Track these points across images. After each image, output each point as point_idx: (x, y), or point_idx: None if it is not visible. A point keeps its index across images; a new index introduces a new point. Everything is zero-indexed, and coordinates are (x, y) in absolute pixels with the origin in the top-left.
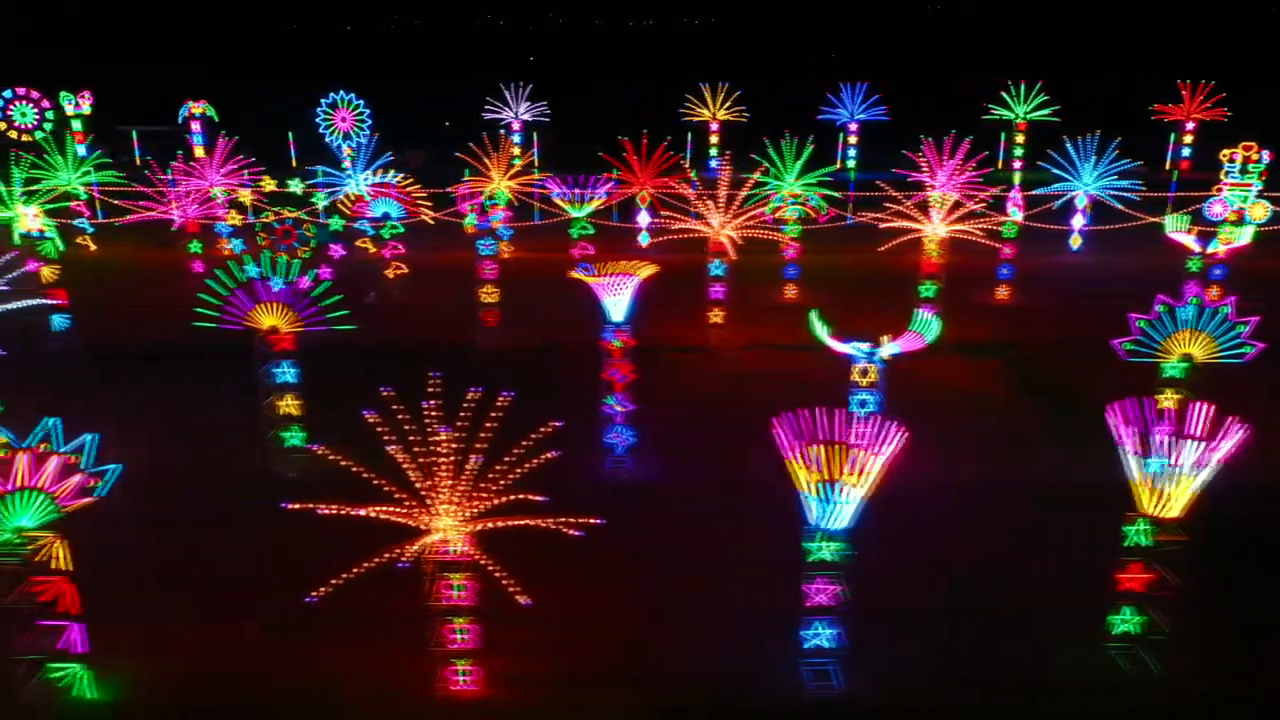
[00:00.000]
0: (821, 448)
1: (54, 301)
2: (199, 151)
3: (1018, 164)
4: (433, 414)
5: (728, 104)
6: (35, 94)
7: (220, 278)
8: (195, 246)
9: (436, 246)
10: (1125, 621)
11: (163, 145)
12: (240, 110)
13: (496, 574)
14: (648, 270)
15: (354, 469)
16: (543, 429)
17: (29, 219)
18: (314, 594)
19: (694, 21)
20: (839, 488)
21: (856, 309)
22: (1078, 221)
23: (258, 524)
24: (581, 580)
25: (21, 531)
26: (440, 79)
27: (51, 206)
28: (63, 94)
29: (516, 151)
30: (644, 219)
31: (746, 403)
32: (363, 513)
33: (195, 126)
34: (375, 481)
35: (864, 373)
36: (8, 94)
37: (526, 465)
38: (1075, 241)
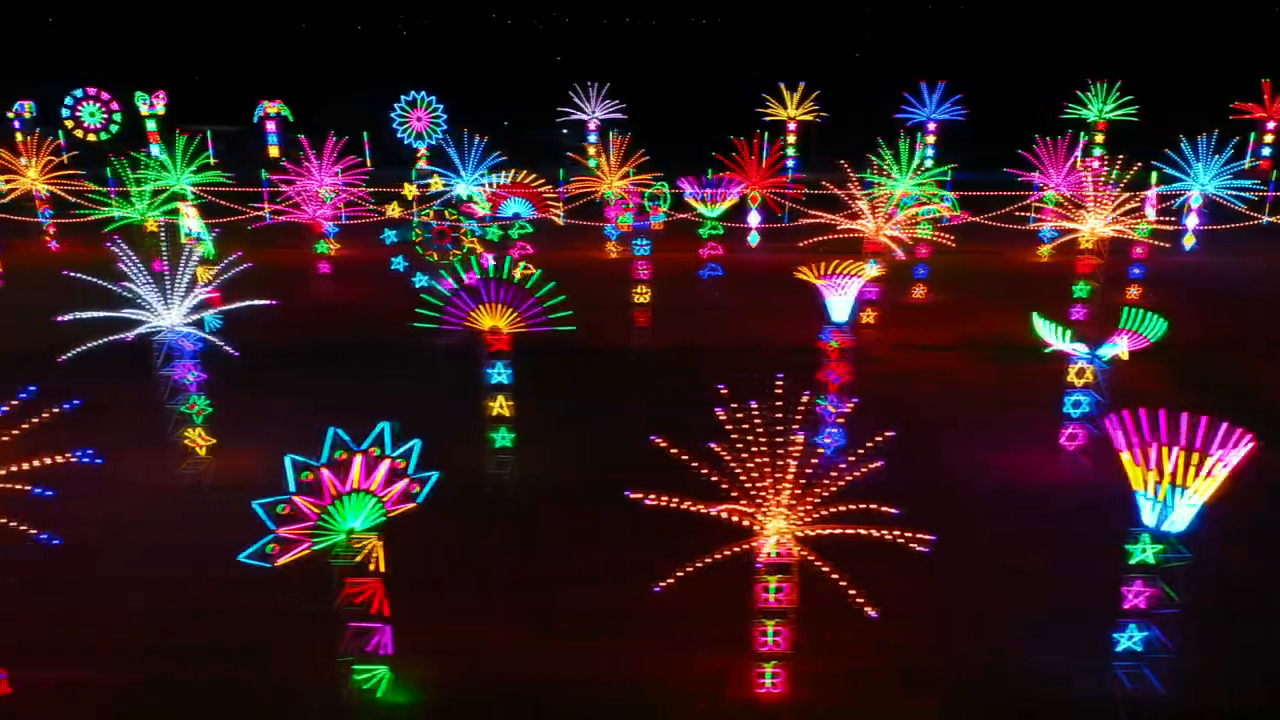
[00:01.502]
0: (1165, 449)
1: (269, 302)
2: (273, 151)
3: (1096, 163)
4: (773, 415)
5: (805, 104)
6: (105, 95)
7: (444, 278)
8: (322, 247)
9: (556, 245)
10: None
11: (234, 144)
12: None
13: (842, 583)
14: (874, 271)
15: (693, 464)
16: (878, 436)
17: (190, 220)
18: (659, 585)
19: (701, 21)
20: (1182, 491)
21: (1003, 308)
22: (1192, 221)
23: (570, 520)
24: (887, 580)
25: (351, 533)
26: (453, 80)
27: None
28: (138, 94)
29: (592, 151)
30: (754, 219)
31: (919, 404)
32: (698, 509)
33: (270, 126)
34: (712, 478)
35: (1080, 373)
36: (78, 93)
37: (859, 471)
38: (1189, 241)
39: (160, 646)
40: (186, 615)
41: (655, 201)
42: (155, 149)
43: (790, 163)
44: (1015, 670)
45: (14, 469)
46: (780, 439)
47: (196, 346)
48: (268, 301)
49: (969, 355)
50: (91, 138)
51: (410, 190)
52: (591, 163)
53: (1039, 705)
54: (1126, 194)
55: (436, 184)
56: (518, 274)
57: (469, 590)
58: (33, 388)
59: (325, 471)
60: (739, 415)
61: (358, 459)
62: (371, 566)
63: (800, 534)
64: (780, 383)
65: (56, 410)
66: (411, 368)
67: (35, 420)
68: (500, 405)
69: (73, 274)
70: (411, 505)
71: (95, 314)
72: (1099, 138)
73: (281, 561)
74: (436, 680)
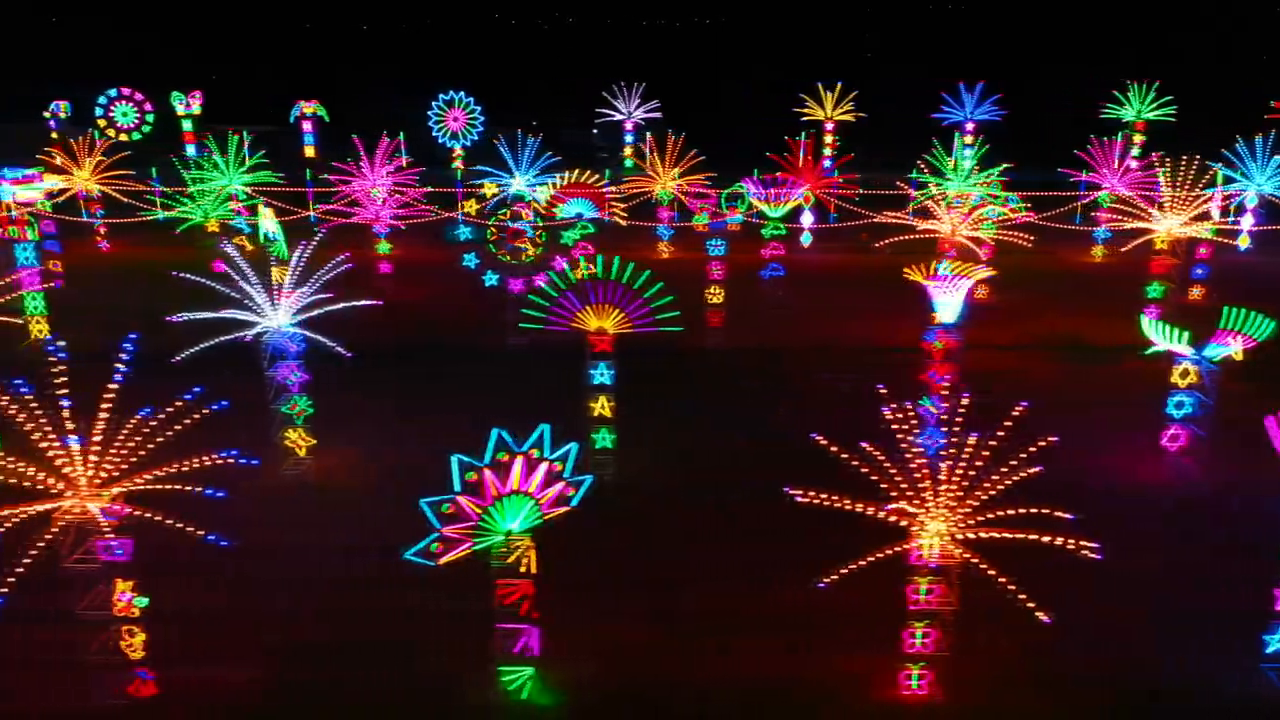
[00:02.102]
0: None
1: (376, 302)
2: (309, 152)
3: (1135, 163)
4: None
5: (843, 105)
6: (138, 95)
7: (554, 279)
8: (384, 248)
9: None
10: None
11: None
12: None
13: (1012, 589)
14: (984, 273)
15: (854, 463)
16: (1041, 442)
17: (267, 221)
18: (823, 580)
19: (705, 20)
20: None
21: (1069, 309)
22: (1247, 221)
23: (680, 520)
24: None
25: (509, 535)
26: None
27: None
28: (174, 94)
29: (628, 151)
30: (807, 219)
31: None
32: (856, 508)
33: (307, 126)
34: (873, 478)
35: (1184, 374)
36: (111, 93)
37: (1016, 477)
38: (1243, 242)
39: (301, 646)
40: (325, 615)
41: (733, 202)
42: (191, 149)
43: (827, 163)
44: (1161, 671)
45: (172, 469)
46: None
47: (300, 348)
48: (372, 302)
49: (1042, 356)
50: (124, 137)
51: (490, 188)
52: (628, 163)
53: (1188, 707)
54: (1204, 193)
55: (516, 184)
56: (580, 274)
57: (598, 591)
58: (199, 388)
59: (488, 472)
60: (901, 414)
61: (518, 461)
62: (523, 568)
63: (961, 536)
64: (946, 384)
65: (207, 411)
66: (492, 367)
67: (190, 420)
68: (601, 406)
69: (182, 275)
70: (566, 509)
71: (208, 315)
72: (1138, 138)
73: (444, 560)
74: (579, 681)
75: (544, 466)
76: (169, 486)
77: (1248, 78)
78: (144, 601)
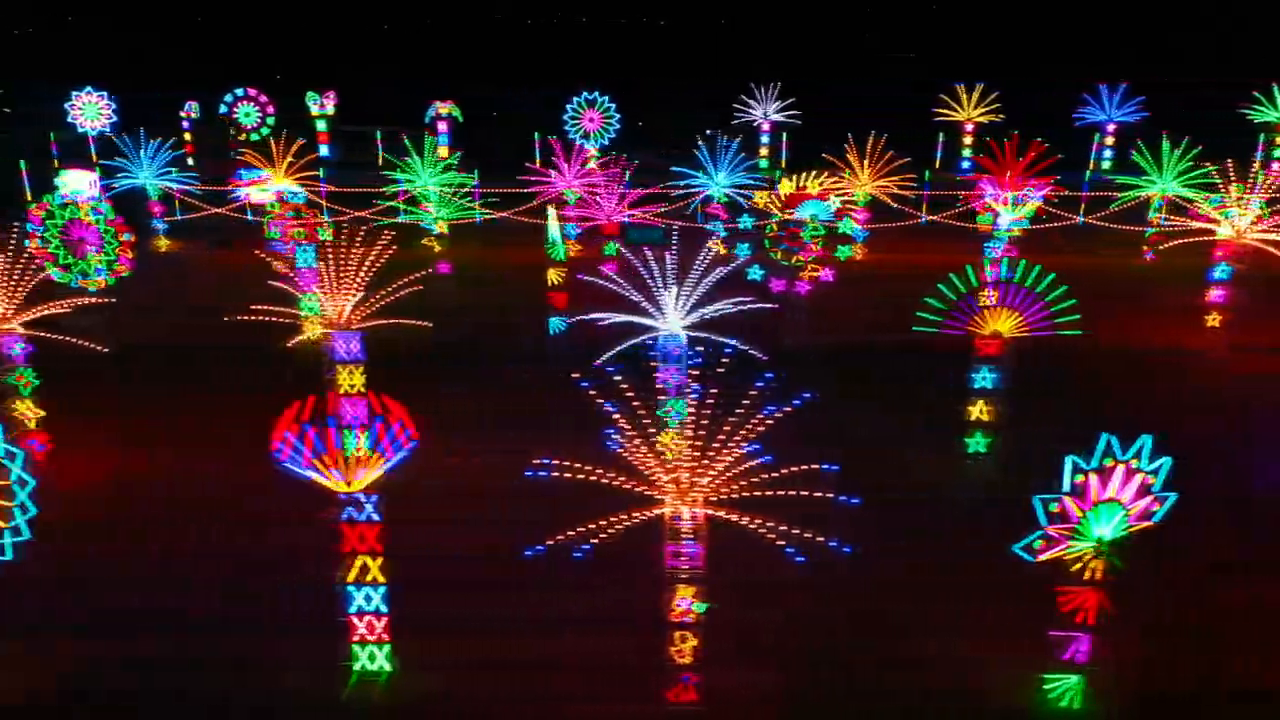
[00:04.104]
0: None
1: (771, 306)
2: (443, 153)
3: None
4: None
5: (985, 105)
6: (262, 96)
7: (954, 282)
8: (610, 249)
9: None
10: None
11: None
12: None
13: None
14: None
15: None
16: None
17: (552, 225)
18: None
19: (722, 20)
20: None
21: None
22: None
23: None
24: None
25: (1103, 543)
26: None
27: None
28: (309, 94)
29: (763, 152)
30: (1004, 220)
31: None
32: None
33: (442, 127)
34: None
35: None
36: (239, 91)
37: None
38: None
39: (825, 651)
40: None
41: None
42: (325, 150)
43: (965, 164)
44: None
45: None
46: None
47: (683, 351)
48: (769, 305)
49: None
50: (241, 137)
51: (787, 186)
52: (762, 164)
53: None
54: None
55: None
56: (808, 274)
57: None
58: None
59: (1093, 478)
60: None
61: (1118, 468)
62: (1087, 576)
63: None
64: None
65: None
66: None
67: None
68: (981, 410)
69: (590, 278)
70: (1149, 524)
71: (615, 317)
72: None
73: (1043, 558)
74: (1118, 689)
75: (1139, 478)
76: (774, 492)
77: None
78: (703, 607)
